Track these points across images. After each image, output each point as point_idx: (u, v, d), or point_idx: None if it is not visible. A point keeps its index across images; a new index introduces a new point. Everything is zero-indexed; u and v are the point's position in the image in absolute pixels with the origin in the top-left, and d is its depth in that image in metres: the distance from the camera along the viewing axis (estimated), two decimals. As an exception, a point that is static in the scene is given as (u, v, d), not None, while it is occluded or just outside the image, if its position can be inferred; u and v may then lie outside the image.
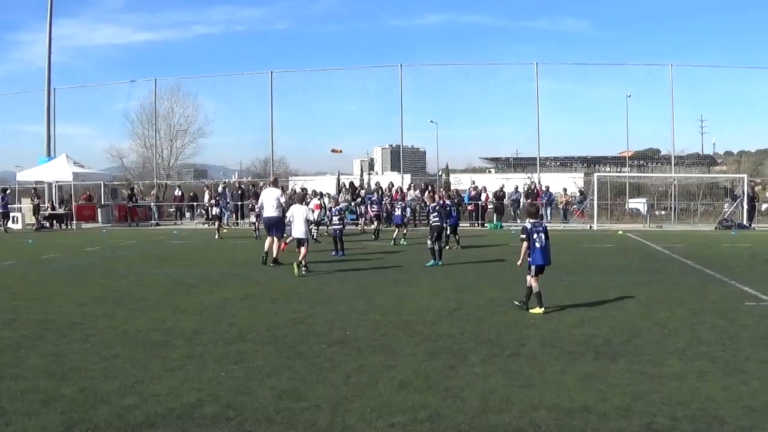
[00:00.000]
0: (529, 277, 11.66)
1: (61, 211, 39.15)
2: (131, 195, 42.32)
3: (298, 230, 17.21)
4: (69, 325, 10.70)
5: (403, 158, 50.92)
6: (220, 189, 38.20)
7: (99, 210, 41.15)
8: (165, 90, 49.45)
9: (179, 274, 17.03)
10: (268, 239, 19.04)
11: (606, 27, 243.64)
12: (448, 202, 21.91)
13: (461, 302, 12.73)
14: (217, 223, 30.31)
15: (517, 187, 38.94)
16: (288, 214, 17.79)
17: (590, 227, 35.19)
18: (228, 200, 37.61)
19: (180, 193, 43.32)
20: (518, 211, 38.11)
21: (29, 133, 71.22)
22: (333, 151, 46.14)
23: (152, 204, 42.01)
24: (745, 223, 35.16)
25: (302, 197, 19.25)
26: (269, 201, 19.29)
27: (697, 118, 62.24)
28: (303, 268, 16.75)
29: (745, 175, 38.66)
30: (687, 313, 11.59)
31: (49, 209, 39.07)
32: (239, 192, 39.53)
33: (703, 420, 6.26)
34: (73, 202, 40.08)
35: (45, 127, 44.57)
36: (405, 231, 26.46)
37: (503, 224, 36.57)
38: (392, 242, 25.38)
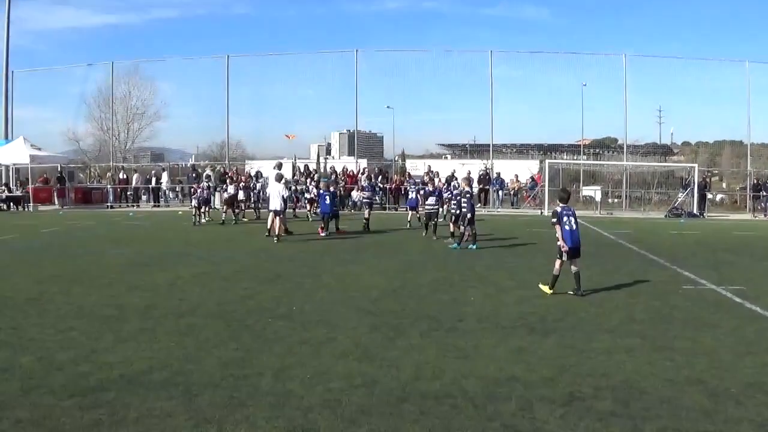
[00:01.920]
0: (557, 261, 11.79)
1: (17, 193, 38.93)
2: (60, 177, 41.98)
3: (274, 204, 20.33)
4: (26, 301, 10.87)
5: (359, 143, 50.81)
6: (204, 175, 37.20)
7: (55, 192, 40.93)
8: (122, 73, 48.96)
9: (134, 254, 17.14)
10: (271, 216, 20.74)
11: (565, 15, 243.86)
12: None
13: (405, 281, 13.08)
14: (202, 208, 27.84)
15: (469, 172, 39.11)
16: (267, 191, 22.08)
17: (541, 212, 35.70)
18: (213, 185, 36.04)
19: (125, 176, 42.42)
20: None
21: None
22: (286, 136, 46.04)
23: (108, 186, 41.71)
24: (695, 212, 35.96)
25: (279, 177, 21.03)
26: (272, 179, 22.09)
27: (655, 108, 62.88)
28: (278, 236, 19.96)
29: (695, 165, 39.51)
30: (624, 294, 11.95)
31: (5, 192, 38.72)
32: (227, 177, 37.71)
33: (624, 390, 6.64)
34: (30, 185, 39.77)
35: (2, 110, 44.11)
36: (418, 215, 25.09)
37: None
38: (408, 225, 25.02)
